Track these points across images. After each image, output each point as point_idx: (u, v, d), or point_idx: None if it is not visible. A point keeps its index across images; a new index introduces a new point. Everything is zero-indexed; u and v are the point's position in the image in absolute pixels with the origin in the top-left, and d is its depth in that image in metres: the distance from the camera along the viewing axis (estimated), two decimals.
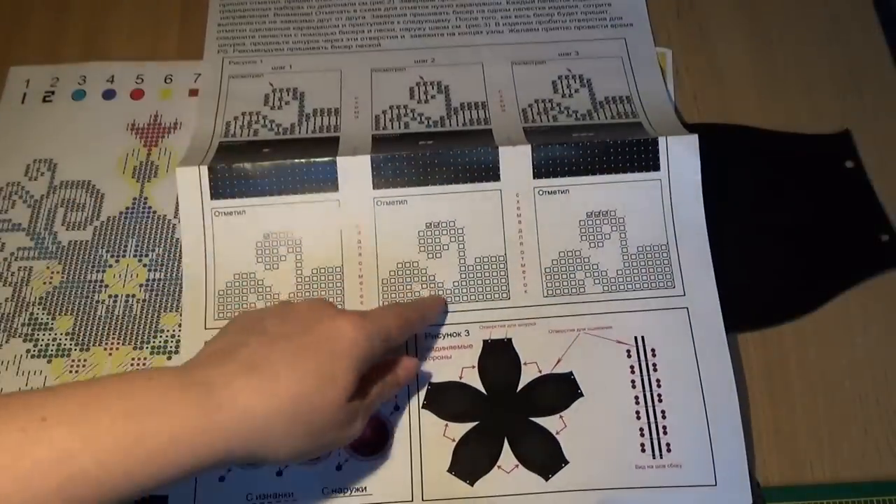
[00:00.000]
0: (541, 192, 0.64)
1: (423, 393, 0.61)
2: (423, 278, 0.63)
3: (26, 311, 0.66)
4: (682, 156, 0.64)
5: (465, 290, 0.63)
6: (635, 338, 0.61)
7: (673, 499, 0.58)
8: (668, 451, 0.59)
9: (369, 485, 0.59)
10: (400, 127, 0.71)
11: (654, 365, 0.61)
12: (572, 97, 0.73)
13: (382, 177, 0.64)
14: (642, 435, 0.59)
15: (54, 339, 0.64)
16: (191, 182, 0.64)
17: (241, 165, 0.64)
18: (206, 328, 0.62)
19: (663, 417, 0.59)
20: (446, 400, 0.61)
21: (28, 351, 0.64)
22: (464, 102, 0.73)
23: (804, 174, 0.71)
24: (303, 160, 0.64)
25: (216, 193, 0.64)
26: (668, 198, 0.64)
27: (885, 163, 0.71)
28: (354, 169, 0.64)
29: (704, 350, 0.61)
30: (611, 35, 0.77)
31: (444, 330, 0.62)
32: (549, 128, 0.70)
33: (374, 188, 0.64)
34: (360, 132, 0.70)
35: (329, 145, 0.68)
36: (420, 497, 0.58)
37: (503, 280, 0.63)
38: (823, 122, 0.73)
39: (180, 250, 0.66)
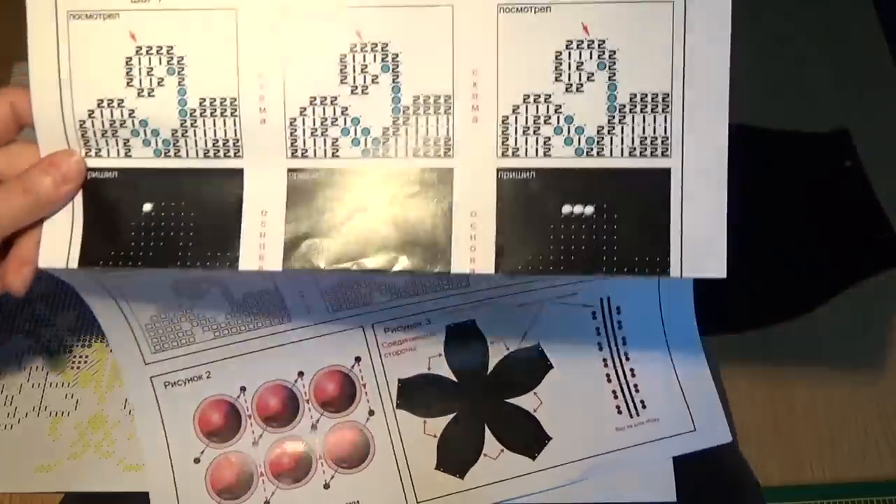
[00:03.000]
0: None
1: (394, 393, 0.60)
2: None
3: (28, 307, 0.66)
4: None
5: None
6: (600, 299, 0.60)
7: (657, 451, 0.58)
8: (644, 407, 0.59)
9: (361, 497, 0.58)
10: (326, 151, 0.49)
11: (619, 323, 0.60)
12: (581, 91, 0.48)
13: None
14: (616, 397, 0.59)
15: (56, 335, 0.65)
16: None
17: None
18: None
19: (633, 375, 0.60)
20: (419, 396, 0.60)
21: (30, 347, 0.64)
22: (419, 96, 0.48)
23: (803, 173, 0.71)
24: None
25: None
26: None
27: (884, 162, 0.71)
28: None
29: (667, 295, 0.60)
30: None
31: (403, 322, 0.60)
32: (532, 176, 0.49)
33: None
34: (269, 161, 0.50)
35: (231, 186, 0.50)
36: (414, 499, 0.58)
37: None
38: (823, 122, 0.74)
39: None
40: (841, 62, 0.76)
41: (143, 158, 0.50)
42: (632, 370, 0.60)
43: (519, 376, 0.60)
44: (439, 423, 0.59)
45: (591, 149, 0.48)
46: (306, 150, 0.49)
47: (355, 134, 0.49)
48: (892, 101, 0.74)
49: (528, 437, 0.59)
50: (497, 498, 0.58)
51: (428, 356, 0.60)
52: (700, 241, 0.48)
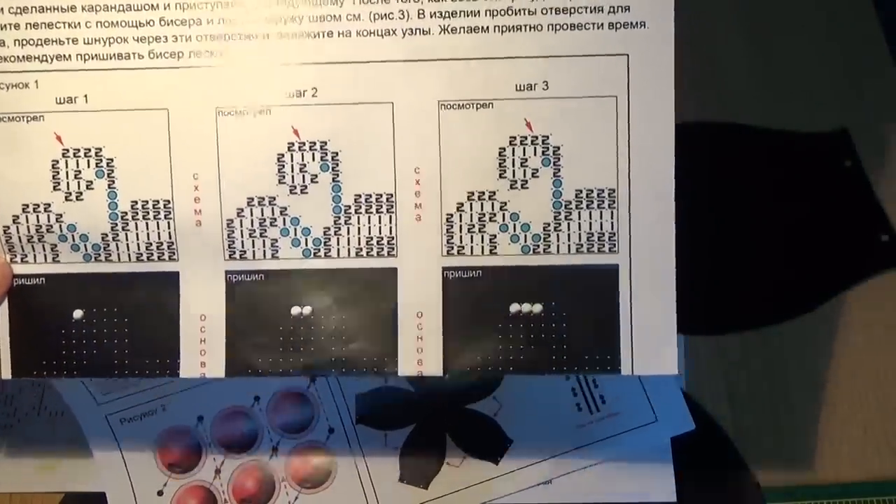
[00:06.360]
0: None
1: (352, 409, 0.59)
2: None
3: None
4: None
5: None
6: None
7: (620, 445, 0.58)
8: (604, 402, 0.59)
9: None
10: (266, 253, 0.48)
11: None
12: (526, 188, 0.47)
13: None
14: (575, 394, 0.59)
15: None
16: None
17: None
18: None
19: None
20: (378, 409, 0.59)
21: None
22: (360, 195, 0.47)
23: (802, 173, 0.71)
24: None
25: None
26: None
27: (884, 162, 0.71)
28: None
29: None
30: (605, 45, 0.46)
31: None
32: (479, 274, 0.48)
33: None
34: (205, 263, 0.48)
35: (166, 290, 0.49)
36: None
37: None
38: (823, 122, 0.73)
39: None
40: (841, 62, 0.76)
41: (71, 264, 0.48)
42: None
43: (476, 381, 0.59)
44: (400, 435, 0.59)
45: (538, 246, 0.48)
46: (245, 252, 0.48)
47: (295, 234, 0.48)
48: (892, 101, 0.74)
49: (489, 442, 0.59)
50: None
51: None
52: (650, 339, 0.47)
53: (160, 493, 0.58)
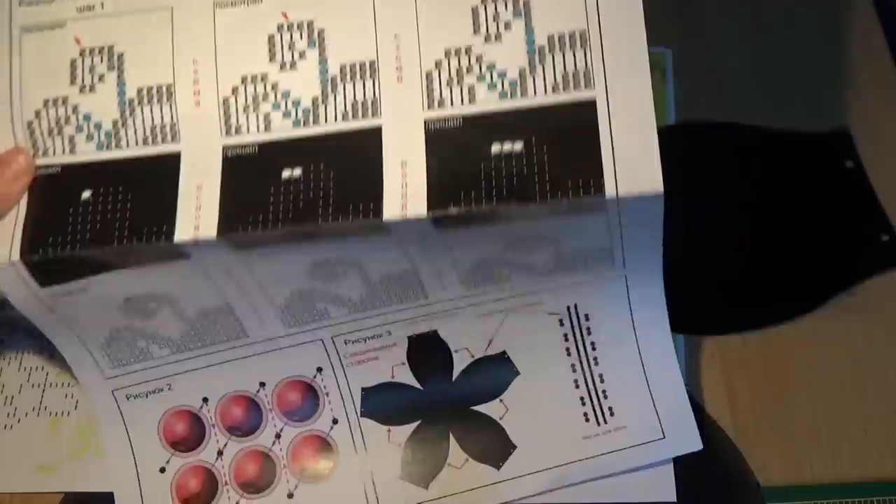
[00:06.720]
0: None
1: (358, 401, 0.59)
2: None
3: None
4: None
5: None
6: (567, 307, 0.58)
7: (625, 461, 0.57)
8: (612, 414, 0.57)
9: None
10: (259, 126, 0.51)
11: (588, 329, 0.58)
12: (499, 41, 0.50)
13: None
14: (583, 404, 0.57)
15: None
16: None
17: None
18: None
19: (601, 381, 0.57)
20: (383, 404, 0.59)
21: (31, 347, 0.64)
22: (345, 65, 0.51)
23: (803, 173, 0.71)
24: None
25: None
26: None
27: (885, 162, 0.71)
28: None
29: (637, 289, 0.57)
30: None
31: (363, 334, 0.58)
32: (459, 123, 0.50)
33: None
34: (204, 140, 0.52)
35: (168, 168, 0.52)
36: None
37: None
38: (823, 122, 0.73)
39: None
40: (841, 62, 0.76)
41: (86, 153, 0.52)
42: (600, 376, 0.57)
43: (484, 383, 0.58)
44: (404, 431, 0.58)
45: (515, 90, 0.49)
46: (240, 127, 0.51)
47: (286, 107, 0.51)
48: (892, 101, 0.74)
49: (493, 446, 0.57)
50: None
51: (391, 365, 0.59)
52: (632, 160, 0.47)
53: (162, 470, 0.59)
